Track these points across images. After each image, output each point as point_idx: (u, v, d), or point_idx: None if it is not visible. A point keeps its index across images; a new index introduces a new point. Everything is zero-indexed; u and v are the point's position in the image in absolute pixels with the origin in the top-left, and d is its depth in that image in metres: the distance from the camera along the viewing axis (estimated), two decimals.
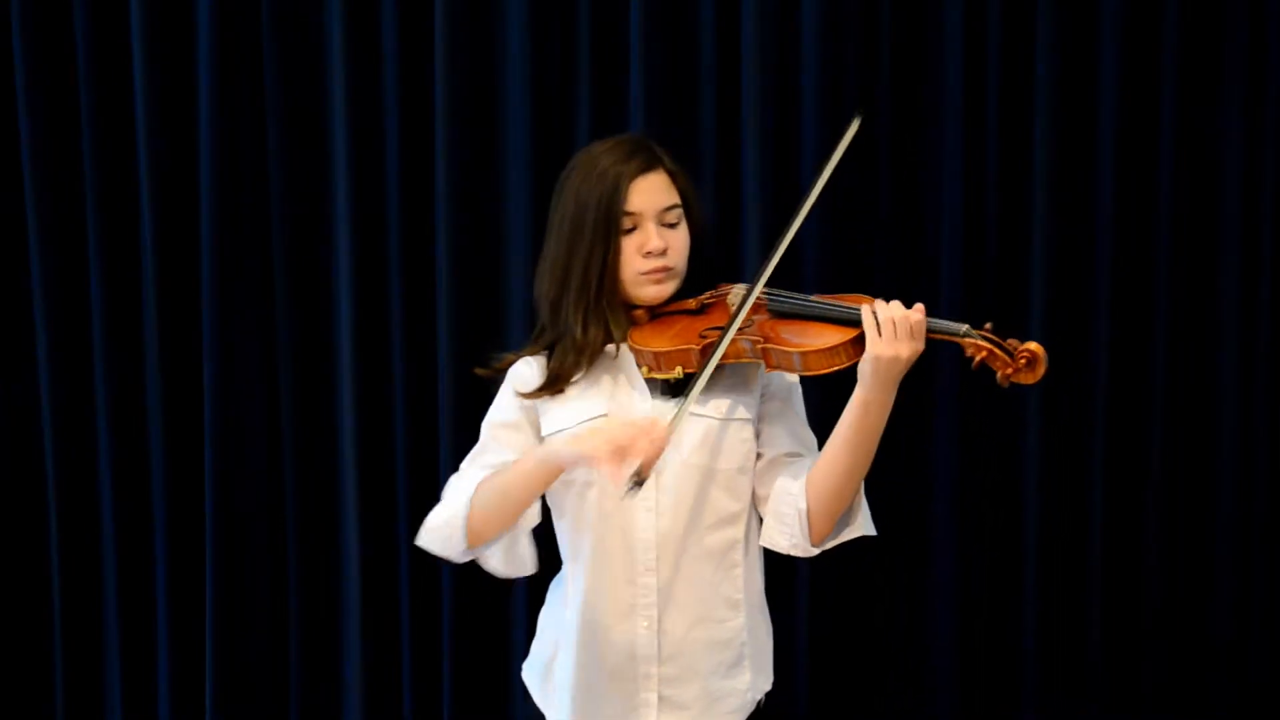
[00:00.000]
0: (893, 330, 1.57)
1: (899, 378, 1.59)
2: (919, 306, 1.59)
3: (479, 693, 2.58)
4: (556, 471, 1.66)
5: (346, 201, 2.50)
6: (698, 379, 1.63)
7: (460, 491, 1.75)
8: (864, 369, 1.59)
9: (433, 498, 2.52)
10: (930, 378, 2.37)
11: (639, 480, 1.55)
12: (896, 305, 1.59)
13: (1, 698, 2.77)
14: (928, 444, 2.42)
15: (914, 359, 1.59)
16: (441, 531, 1.75)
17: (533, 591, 2.51)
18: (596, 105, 2.43)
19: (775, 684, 1.84)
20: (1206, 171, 2.35)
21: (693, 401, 1.64)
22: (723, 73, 2.39)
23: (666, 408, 1.70)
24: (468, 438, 2.48)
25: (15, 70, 2.56)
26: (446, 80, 2.43)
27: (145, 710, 2.73)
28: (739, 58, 2.37)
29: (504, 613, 2.57)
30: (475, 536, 1.73)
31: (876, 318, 1.58)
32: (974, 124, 2.36)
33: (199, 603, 2.65)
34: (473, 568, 2.50)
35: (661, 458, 1.69)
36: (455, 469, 2.47)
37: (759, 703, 1.82)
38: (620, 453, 1.54)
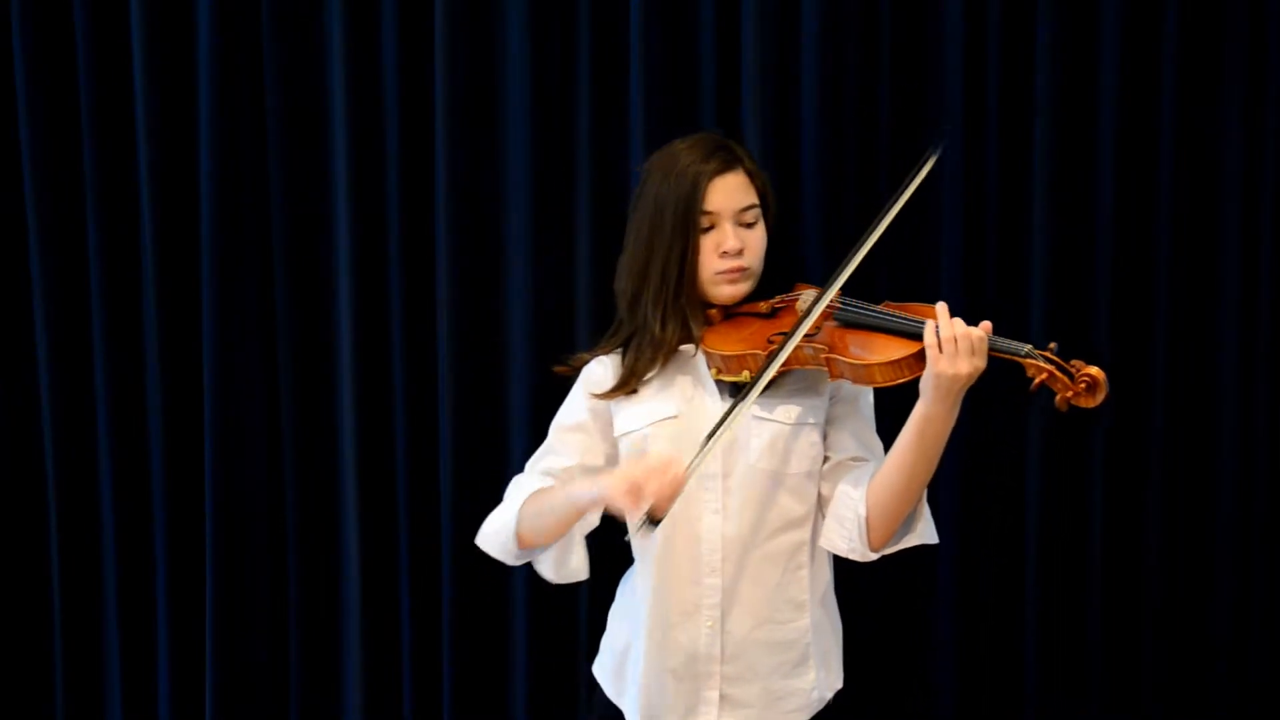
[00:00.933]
0: (954, 348, 1.58)
1: (960, 394, 1.61)
2: (985, 325, 1.60)
3: (479, 693, 2.58)
4: (581, 510, 1.68)
5: (346, 201, 2.49)
6: (754, 386, 1.65)
7: (513, 501, 1.80)
8: (925, 384, 1.61)
9: (433, 498, 2.55)
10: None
11: (653, 520, 1.56)
12: (959, 322, 1.60)
13: (1, 698, 2.77)
14: None
15: (975, 376, 1.59)
16: (497, 538, 1.81)
17: (533, 592, 2.51)
18: (596, 105, 2.43)
19: None
20: (1206, 171, 2.35)
21: (745, 409, 1.67)
22: (723, 73, 2.39)
23: (717, 414, 1.73)
24: (468, 437, 2.50)
25: (15, 70, 2.56)
26: (446, 80, 2.43)
27: (145, 710, 2.73)
28: (739, 58, 2.37)
29: (504, 613, 2.56)
30: (526, 546, 1.77)
31: (939, 335, 1.58)
32: (974, 124, 2.36)
33: (199, 603, 2.65)
34: (475, 568, 2.52)
35: (728, 461, 1.71)
36: (455, 469, 2.49)
37: (829, 703, 1.84)
38: (634, 492, 1.56)
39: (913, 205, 2.37)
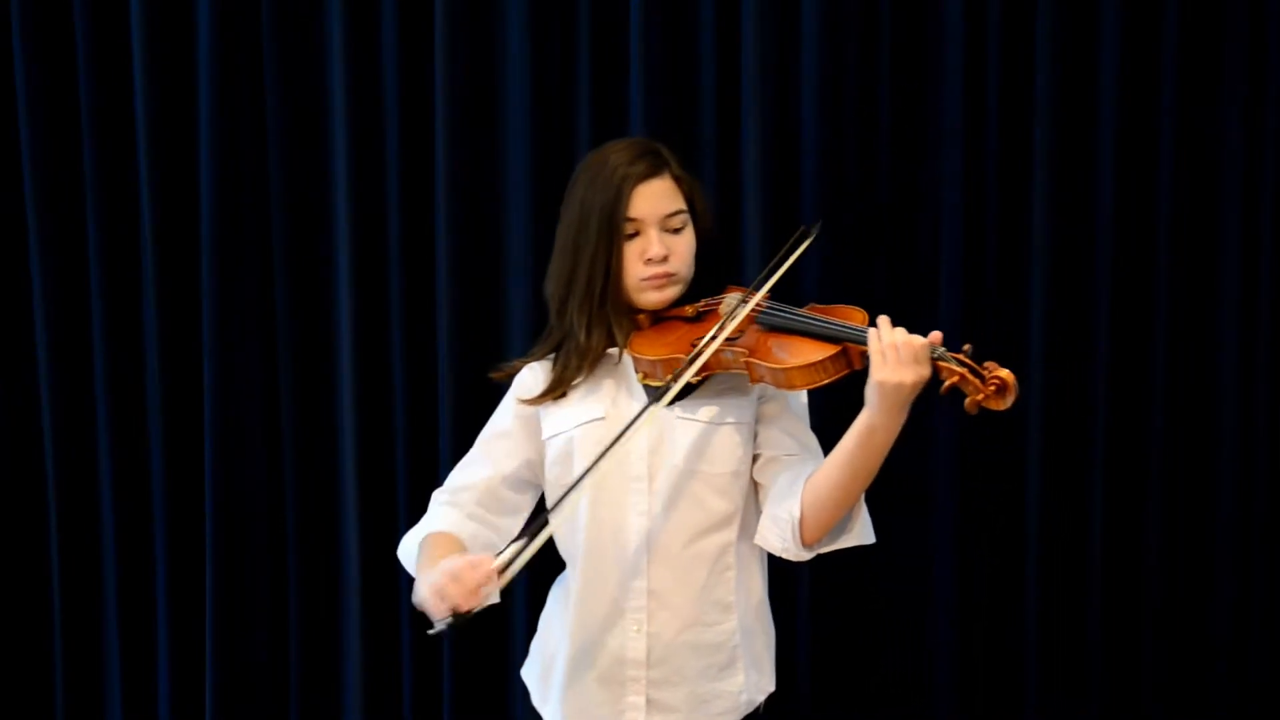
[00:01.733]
0: (896, 354, 1.56)
1: (906, 404, 1.58)
2: (934, 335, 1.57)
3: (479, 693, 2.58)
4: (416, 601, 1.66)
5: (346, 201, 2.49)
6: (666, 391, 1.64)
7: (421, 528, 1.83)
8: (869, 393, 1.58)
9: (432, 496, 2.54)
10: (931, 379, 2.37)
11: (459, 618, 1.56)
12: (900, 331, 1.57)
13: (1, 698, 2.77)
14: (928, 445, 2.42)
15: (920, 385, 1.56)
16: (407, 561, 1.84)
17: (533, 592, 2.51)
18: (596, 105, 2.43)
19: (777, 685, 1.84)
20: (1206, 171, 2.35)
21: (651, 415, 1.65)
22: (723, 73, 2.39)
23: (661, 413, 1.71)
24: (468, 437, 2.48)
25: (15, 70, 2.56)
26: (446, 80, 2.43)
27: (145, 710, 2.73)
28: (739, 58, 2.37)
29: (504, 613, 2.56)
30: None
31: (882, 342, 1.57)
32: (974, 124, 2.36)
33: (199, 603, 2.65)
34: None
35: (653, 464, 1.71)
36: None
37: (759, 706, 1.82)
38: (438, 595, 1.56)
39: (913, 205, 2.39)
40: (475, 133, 2.46)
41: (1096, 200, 2.35)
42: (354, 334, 2.52)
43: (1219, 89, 2.33)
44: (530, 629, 2.52)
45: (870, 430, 1.60)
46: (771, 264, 1.73)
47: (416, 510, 2.54)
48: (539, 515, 1.67)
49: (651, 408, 1.66)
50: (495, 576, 1.58)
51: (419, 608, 1.61)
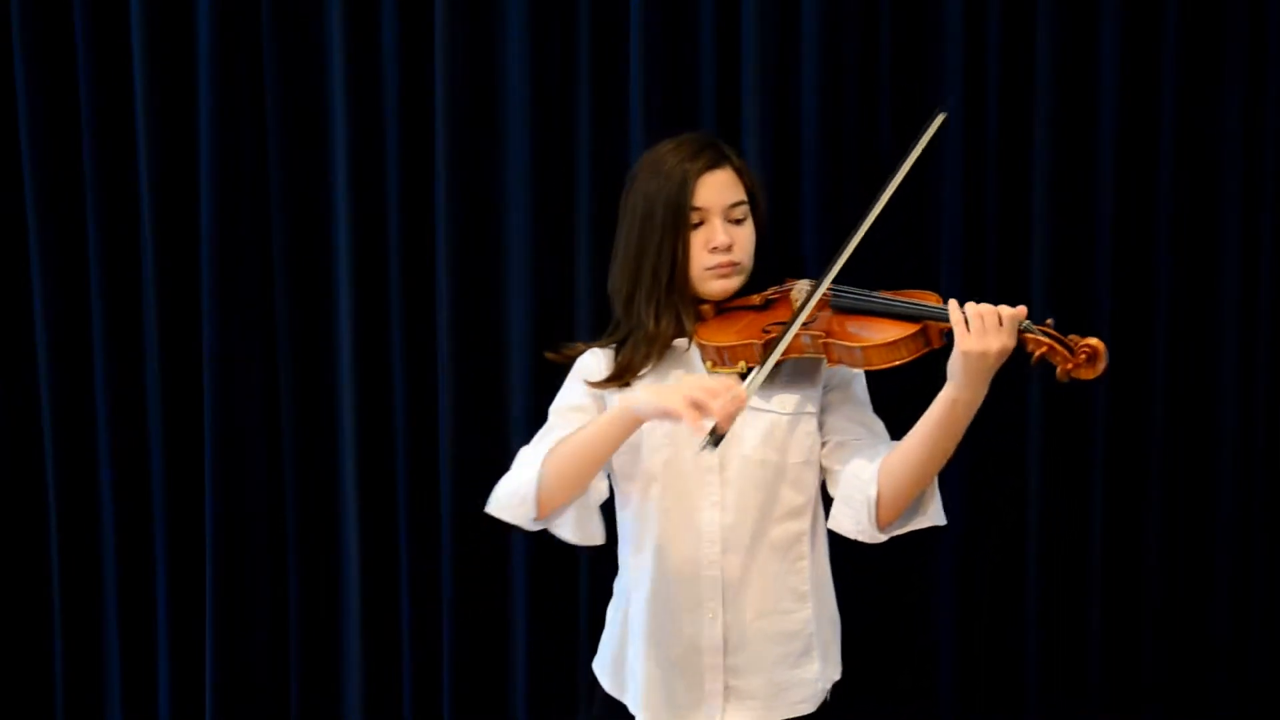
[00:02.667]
0: (981, 324, 1.59)
1: (989, 374, 1.61)
2: (1021, 308, 1.61)
3: (479, 693, 2.58)
4: (635, 423, 1.67)
5: (346, 201, 2.49)
6: (760, 371, 1.65)
7: (530, 460, 1.76)
8: (953, 365, 1.61)
9: (433, 497, 2.55)
10: (930, 379, 2.37)
11: (717, 437, 1.55)
12: (985, 304, 1.61)
13: (1, 698, 2.77)
14: None
15: (1004, 355, 1.60)
16: (512, 499, 1.76)
17: (533, 591, 2.51)
18: (596, 105, 2.43)
19: None
20: (1206, 171, 2.35)
21: (753, 394, 1.66)
22: (723, 73, 2.39)
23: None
24: (468, 437, 2.50)
25: (15, 70, 2.56)
26: (446, 80, 2.43)
27: (145, 710, 2.73)
28: (739, 58, 2.37)
29: (504, 613, 2.56)
30: (546, 503, 1.74)
31: (965, 313, 1.59)
32: (974, 124, 2.36)
33: (199, 603, 2.65)
34: (476, 568, 2.52)
35: (725, 454, 1.73)
36: (455, 469, 2.49)
37: (827, 695, 1.84)
38: (698, 407, 1.54)
39: (912, 205, 2.39)
40: (475, 133, 2.46)
41: (1096, 200, 2.35)
42: (354, 334, 2.52)
43: (1219, 89, 2.33)
44: (530, 629, 2.53)
45: (953, 404, 1.62)
46: (841, 248, 1.73)
47: (417, 510, 2.56)
48: (750, 371, 1.67)
49: (759, 373, 1.64)
50: (744, 401, 1.57)
51: (653, 413, 1.60)
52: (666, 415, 1.58)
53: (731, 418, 1.56)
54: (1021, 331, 1.61)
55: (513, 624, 2.56)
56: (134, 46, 2.51)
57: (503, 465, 2.52)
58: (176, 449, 2.63)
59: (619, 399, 1.76)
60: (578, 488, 1.74)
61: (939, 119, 1.78)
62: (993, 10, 2.34)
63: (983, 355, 1.58)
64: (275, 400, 2.60)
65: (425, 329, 2.52)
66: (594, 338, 2.36)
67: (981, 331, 1.58)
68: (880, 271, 2.37)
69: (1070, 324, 2.33)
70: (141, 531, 2.68)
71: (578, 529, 1.79)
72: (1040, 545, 2.40)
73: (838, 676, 1.87)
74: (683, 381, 1.62)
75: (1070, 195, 2.34)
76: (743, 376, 1.69)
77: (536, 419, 2.42)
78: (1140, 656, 2.43)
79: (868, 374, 1.83)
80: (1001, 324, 1.59)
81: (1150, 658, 2.43)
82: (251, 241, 2.57)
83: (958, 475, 2.41)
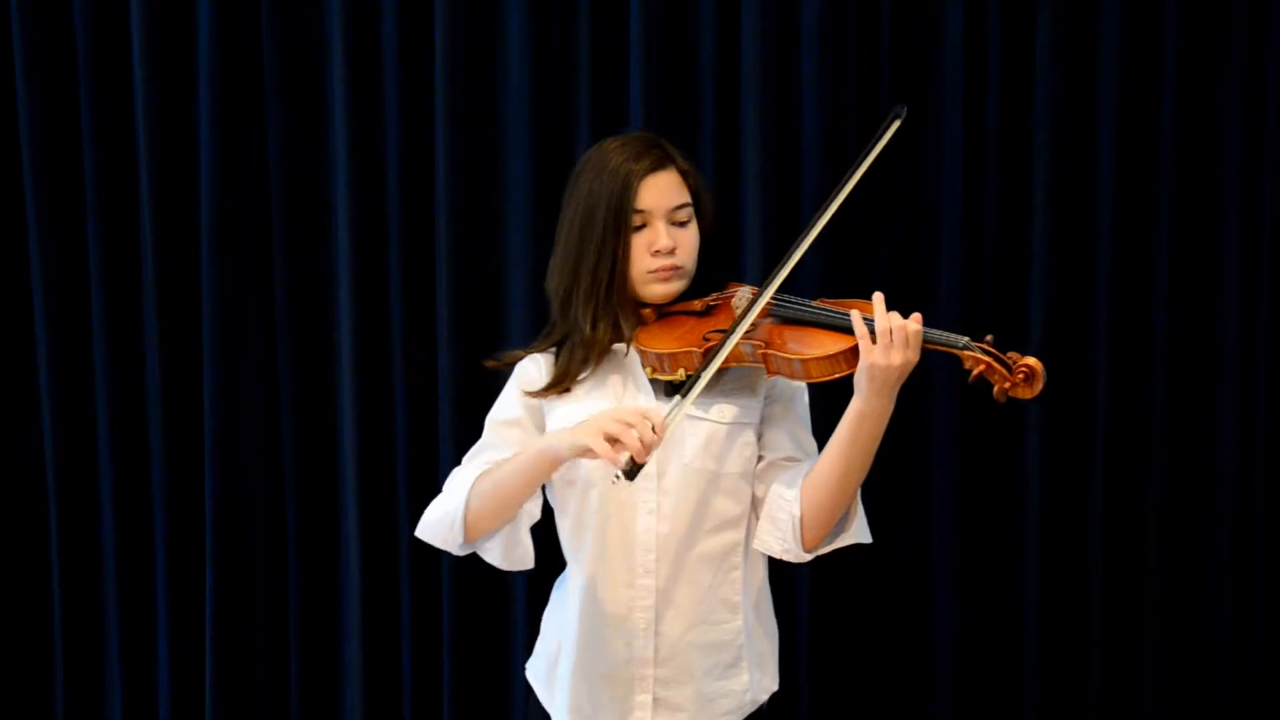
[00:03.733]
0: (888, 339, 1.56)
1: (895, 388, 1.59)
2: (915, 316, 1.58)
3: (479, 693, 2.58)
4: (554, 463, 1.66)
5: (346, 201, 2.49)
6: (698, 380, 1.63)
7: (459, 485, 1.76)
8: (859, 379, 1.59)
9: (433, 497, 2.54)
10: (930, 380, 2.37)
11: (633, 469, 1.54)
12: (894, 315, 1.58)
13: (1, 698, 2.77)
14: (928, 445, 2.42)
15: (908, 369, 1.58)
16: (441, 524, 1.77)
17: (533, 591, 2.51)
18: (596, 105, 2.43)
19: (777, 685, 1.84)
20: (1206, 171, 2.35)
21: (691, 401, 1.63)
22: (723, 73, 2.39)
23: (668, 408, 1.70)
24: (468, 437, 2.48)
25: (15, 70, 2.56)
26: (446, 80, 2.43)
27: (145, 710, 2.73)
28: (739, 58, 2.37)
29: (504, 613, 2.57)
30: (473, 529, 1.74)
31: (872, 327, 1.58)
32: (974, 125, 2.36)
33: (199, 603, 2.65)
34: (475, 568, 2.51)
35: (662, 461, 1.70)
36: (455, 468, 2.48)
37: (762, 705, 1.82)
38: (613, 440, 1.54)
39: (913, 206, 2.39)
40: (475, 132, 2.46)
41: (1096, 202, 2.35)
42: (354, 334, 2.52)
43: (1219, 88, 2.33)
44: (531, 628, 2.53)
45: (860, 418, 1.60)
46: (784, 257, 1.71)
47: (417, 510, 2.55)
48: (688, 380, 1.64)
49: (695, 389, 1.62)
50: (663, 430, 1.55)
51: (570, 452, 1.59)
52: (584, 453, 1.58)
53: (649, 449, 1.53)
54: (961, 349, 1.59)
55: (513, 624, 2.56)
56: (134, 46, 2.51)
57: None
58: (177, 449, 2.63)
59: (540, 438, 1.71)
60: (503, 518, 1.74)
61: (896, 122, 1.75)
62: (993, 10, 2.34)
63: (888, 369, 1.56)
64: (275, 400, 2.60)
65: (425, 329, 2.52)
66: None
67: (887, 346, 1.56)
68: (878, 274, 2.39)
69: (1070, 324, 2.35)
70: (141, 531, 2.68)
71: (505, 554, 1.78)
72: (1040, 544, 2.40)
73: (774, 688, 1.84)
74: (599, 415, 1.59)
75: (1070, 196, 2.34)
76: (679, 386, 1.68)
77: None
78: (1140, 656, 2.43)
79: (810, 386, 1.81)
80: (908, 339, 1.56)
81: (1150, 658, 2.42)
82: (251, 241, 2.57)
83: (958, 475, 2.41)
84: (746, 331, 1.67)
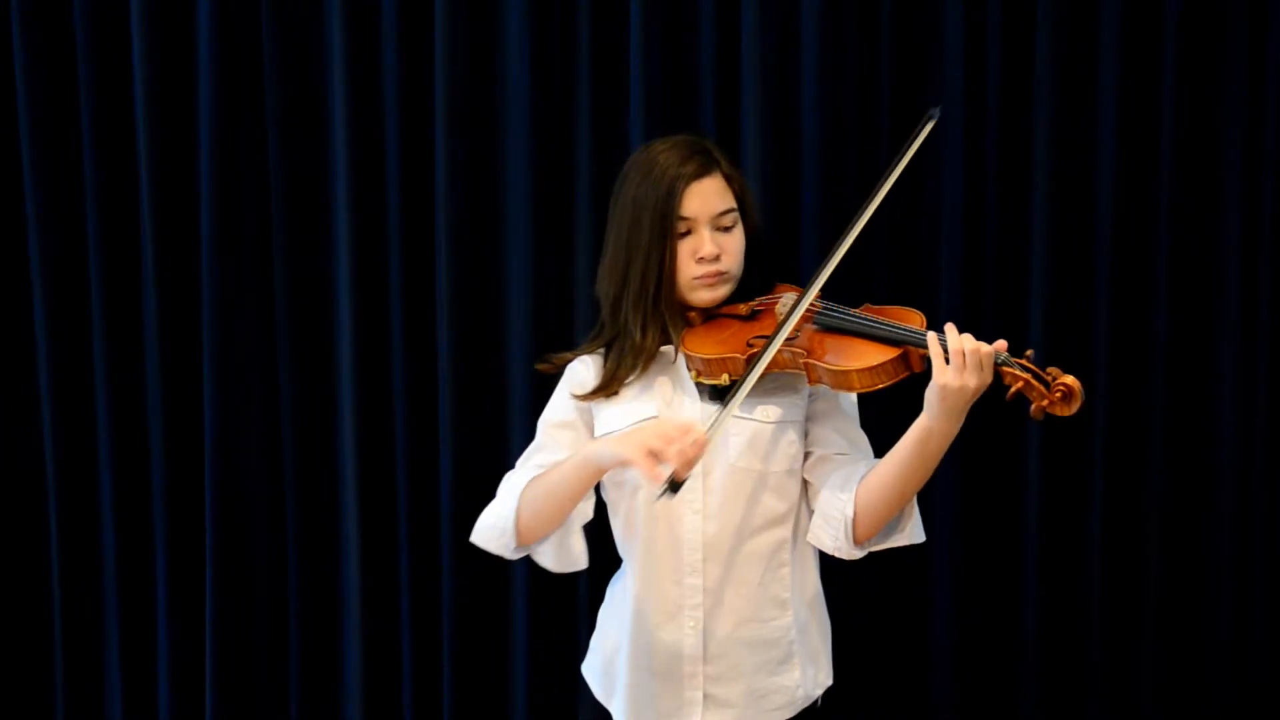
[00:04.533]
0: (962, 361, 1.56)
1: (965, 409, 1.60)
2: (1000, 343, 1.58)
3: (479, 693, 2.58)
4: (598, 472, 1.69)
5: (346, 201, 2.49)
6: (738, 389, 1.65)
7: (511, 490, 1.79)
8: (930, 397, 1.59)
9: (433, 497, 2.55)
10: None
11: (675, 484, 1.55)
12: (968, 337, 1.58)
13: (1, 698, 2.77)
14: None
15: (980, 392, 1.58)
16: (493, 530, 1.80)
17: (533, 591, 2.51)
18: (596, 105, 2.43)
19: None
20: (1206, 171, 2.35)
21: (731, 412, 1.65)
22: (722, 73, 2.39)
23: (713, 412, 1.72)
24: (468, 437, 2.50)
25: (15, 69, 2.56)
26: (446, 80, 2.43)
27: (145, 710, 2.73)
28: (739, 58, 2.36)
29: (504, 613, 2.57)
30: (525, 535, 1.77)
31: (945, 347, 1.57)
32: (974, 124, 2.36)
33: (199, 603, 2.65)
34: (475, 568, 2.52)
35: (708, 461, 1.72)
36: (455, 469, 2.49)
37: (817, 700, 1.83)
38: (655, 455, 1.55)
39: (913, 205, 2.39)
40: (475, 132, 2.46)
41: (1096, 200, 2.35)
42: (354, 334, 2.52)
43: (1219, 89, 2.33)
44: (531, 628, 2.53)
45: (928, 434, 1.61)
46: (823, 263, 1.72)
47: (417, 510, 2.56)
48: (731, 386, 1.66)
49: (736, 397, 1.64)
50: (704, 446, 1.57)
51: (612, 463, 1.61)
52: (625, 464, 1.60)
53: (691, 464, 1.55)
54: (999, 365, 1.59)
55: (513, 624, 2.56)
56: (134, 46, 2.51)
57: (502, 466, 2.53)
58: (176, 449, 2.63)
59: (587, 444, 1.74)
60: (554, 524, 1.77)
61: (930, 123, 1.76)
62: (993, 10, 2.34)
63: (960, 390, 1.57)
64: (275, 401, 2.60)
65: (425, 329, 2.52)
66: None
67: (961, 368, 1.56)
68: (878, 273, 2.39)
69: (1070, 324, 2.35)
70: (141, 531, 2.68)
71: (557, 558, 1.81)
72: (1040, 545, 2.39)
73: (829, 683, 1.86)
74: (642, 428, 1.61)
75: (1070, 195, 2.34)
76: (724, 390, 1.68)
77: (536, 418, 2.43)
78: (1140, 656, 2.43)
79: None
80: (982, 363, 1.56)
81: (1150, 658, 2.42)
82: (251, 241, 2.57)
83: (957, 475, 2.41)
84: (789, 339, 1.68)
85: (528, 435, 2.46)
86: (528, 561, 2.29)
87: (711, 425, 1.61)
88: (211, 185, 2.53)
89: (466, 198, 2.46)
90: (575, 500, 1.74)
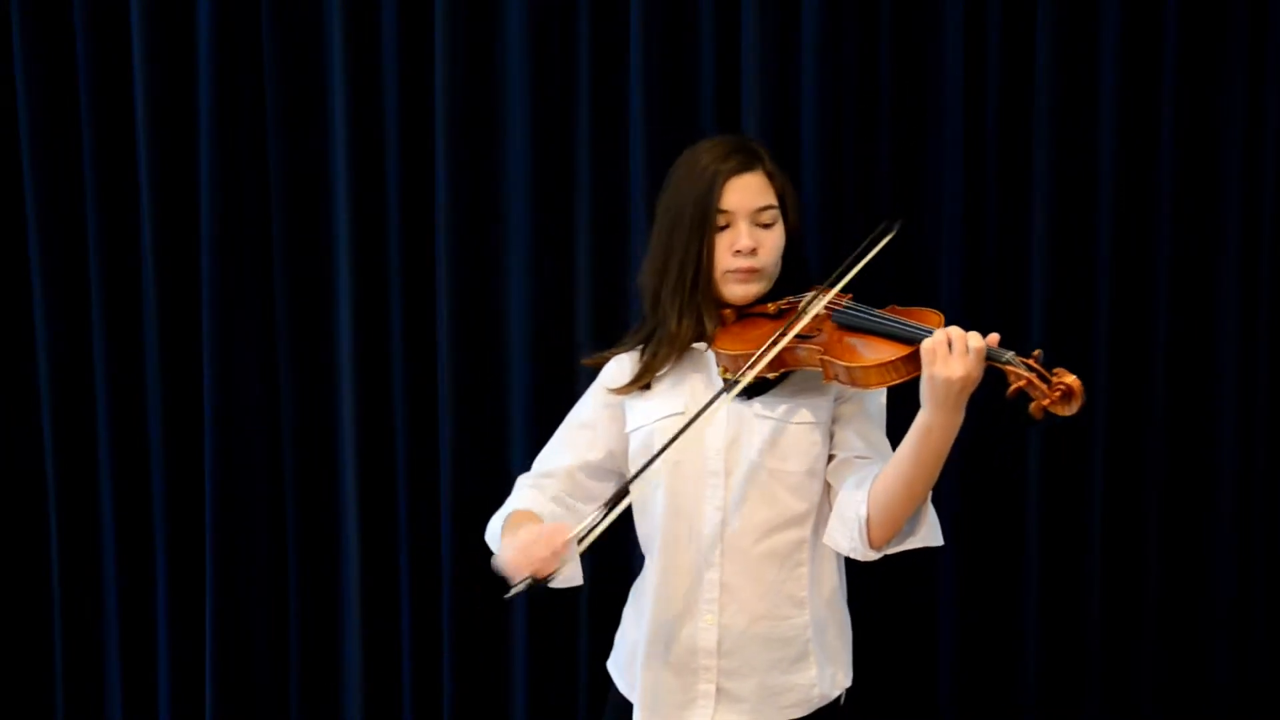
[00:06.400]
0: (946, 350, 1.57)
1: (958, 401, 1.60)
2: (992, 336, 1.60)
3: (479, 693, 2.58)
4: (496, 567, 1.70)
5: (346, 201, 2.50)
6: (737, 383, 1.68)
7: (501, 513, 1.85)
8: (922, 389, 1.61)
9: (433, 498, 2.55)
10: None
11: (537, 583, 1.60)
12: (954, 328, 1.60)
13: (1, 698, 2.77)
14: None
15: (969, 382, 1.59)
16: (491, 541, 1.85)
17: (533, 592, 2.51)
18: (596, 105, 2.43)
19: None
20: (1206, 171, 2.35)
21: (723, 404, 1.69)
22: (722, 73, 2.39)
23: (739, 408, 1.76)
24: (467, 437, 2.50)
25: (15, 69, 2.56)
26: (446, 81, 2.43)
27: (145, 710, 2.73)
28: (739, 58, 2.37)
29: (505, 613, 2.56)
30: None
31: (933, 339, 1.60)
32: (974, 125, 2.36)
33: (199, 603, 2.65)
34: (474, 567, 2.51)
35: (730, 459, 1.76)
36: (455, 469, 2.49)
37: (839, 699, 1.84)
38: (518, 559, 1.61)
39: (913, 206, 2.39)
40: (475, 133, 2.46)
41: (1096, 201, 2.35)
42: (354, 333, 2.52)
43: (1219, 89, 2.33)
44: (530, 630, 2.53)
45: (927, 429, 1.62)
46: (847, 261, 1.75)
47: (417, 510, 2.57)
48: (754, 387, 1.71)
49: (723, 396, 1.69)
50: (575, 544, 1.62)
51: (499, 573, 1.65)
52: (503, 570, 1.64)
53: (549, 567, 1.60)
54: (1005, 363, 1.60)
55: (513, 625, 2.56)
56: (134, 46, 2.51)
57: (502, 466, 2.53)
58: (176, 449, 2.63)
59: (505, 541, 1.76)
60: None
61: (887, 236, 1.84)
62: (993, 10, 2.34)
63: (947, 381, 1.58)
64: (276, 400, 2.60)
65: (425, 328, 2.52)
66: (594, 337, 2.37)
67: (946, 357, 1.57)
68: (878, 273, 2.39)
69: (1070, 324, 2.35)
70: (141, 531, 2.68)
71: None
72: (1040, 545, 2.40)
73: (848, 684, 1.88)
74: (516, 537, 1.66)
75: (1070, 196, 2.34)
76: (750, 389, 1.72)
77: (536, 418, 2.43)
78: (1140, 656, 2.43)
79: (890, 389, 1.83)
80: (969, 351, 1.57)
81: (1150, 658, 2.42)
82: (251, 240, 2.57)
83: (958, 475, 2.41)
84: (808, 336, 1.70)
85: (528, 435, 2.46)
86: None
87: (584, 524, 1.65)
88: (212, 185, 2.53)
89: (466, 198, 2.46)
90: None
